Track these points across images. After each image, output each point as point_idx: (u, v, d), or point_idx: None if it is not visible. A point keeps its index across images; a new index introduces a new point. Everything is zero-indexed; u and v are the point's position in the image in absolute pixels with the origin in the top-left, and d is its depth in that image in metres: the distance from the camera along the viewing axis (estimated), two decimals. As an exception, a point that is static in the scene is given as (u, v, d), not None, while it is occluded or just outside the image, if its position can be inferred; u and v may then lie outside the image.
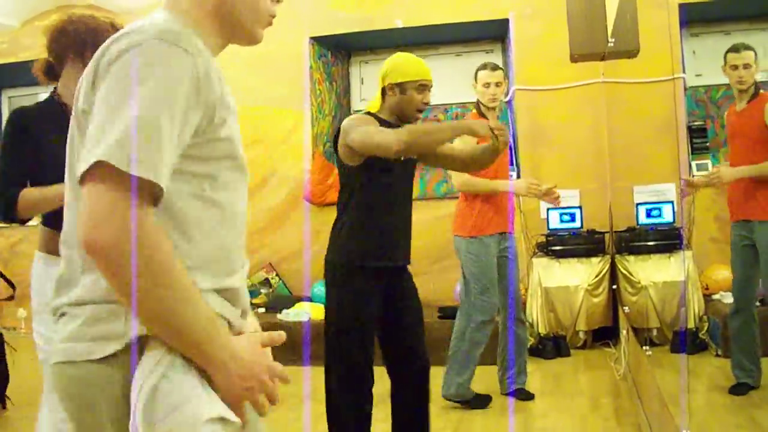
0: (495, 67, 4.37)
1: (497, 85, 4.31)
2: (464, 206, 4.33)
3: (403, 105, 2.97)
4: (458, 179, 4.23)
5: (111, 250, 1.09)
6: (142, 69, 1.12)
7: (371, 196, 2.94)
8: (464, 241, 4.33)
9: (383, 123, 2.95)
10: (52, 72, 2.59)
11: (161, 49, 1.14)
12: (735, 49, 3.71)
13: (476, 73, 4.41)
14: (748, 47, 3.70)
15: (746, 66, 3.67)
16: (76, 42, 2.49)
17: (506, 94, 6.93)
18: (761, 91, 3.73)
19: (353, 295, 2.93)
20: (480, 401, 4.36)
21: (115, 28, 2.48)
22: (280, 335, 1.38)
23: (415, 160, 3.06)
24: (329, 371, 3.01)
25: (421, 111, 3.01)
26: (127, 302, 1.13)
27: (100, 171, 1.09)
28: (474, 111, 4.43)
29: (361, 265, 2.91)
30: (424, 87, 2.97)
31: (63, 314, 1.23)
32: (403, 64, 2.99)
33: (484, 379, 4.62)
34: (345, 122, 2.93)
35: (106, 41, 1.20)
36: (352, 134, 2.83)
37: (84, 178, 1.11)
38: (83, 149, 1.13)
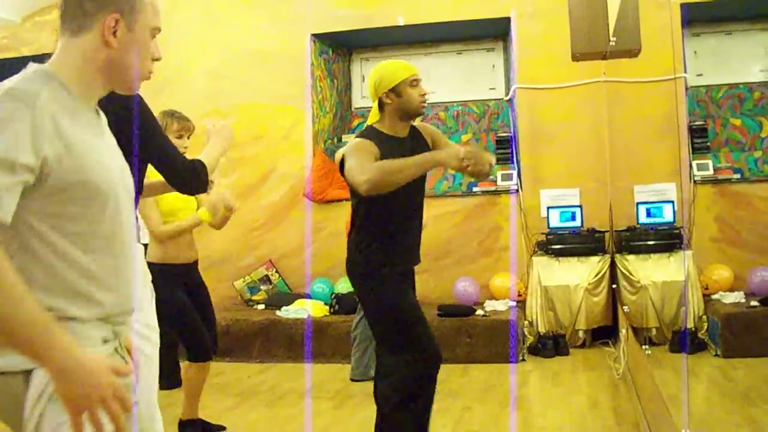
0: None
1: None
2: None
3: (405, 105, 3.06)
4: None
5: None
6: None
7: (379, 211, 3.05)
8: None
9: (382, 137, 3.04)
10: None
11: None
12: None
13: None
14: None
15: None
16: None
17: (508, 93, 6.93)
18: None
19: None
20: None
21: None
22: (127, 368, 1.45)
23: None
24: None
25: (424, 103, 3.09)
26: None
27: None
28: None
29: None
30: (416, 81, 3.07)
31: None
32: (388, 69, 3.09)
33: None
34: (345, 149, 3.02)
35: None
36: (345, 169, 2.94)
37: None
38: None
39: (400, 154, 2.97)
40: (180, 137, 3.78)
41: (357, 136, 3.08)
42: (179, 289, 3.71)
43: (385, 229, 3.07)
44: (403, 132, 3.12)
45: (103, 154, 1.49)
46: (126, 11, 1.49)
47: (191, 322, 3.70)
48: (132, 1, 1.50)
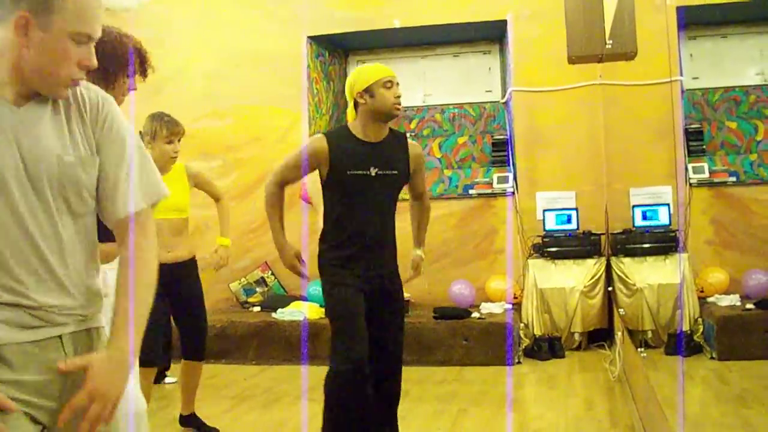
0: None
1: None
2: None
3: (377, 106, 3.08)
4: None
5: None
6: None
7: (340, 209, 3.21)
8: None
9: (347, 137, 3.13)
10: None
11: None
12: None
13: None
14: None
15: None
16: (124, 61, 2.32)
17: (504, 95, 6.94)
18: None
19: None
20: None
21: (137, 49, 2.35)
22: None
23: (393, 179, 3.19)
24: None
25: (397, 105, 3.10)
26: None
27: None
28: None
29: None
30: (390, 83, 3.10)
31: None
32: (363, 71, 3.15)
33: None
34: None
35: None
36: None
37: None
38: None
39: (361, 158, 3.08)
40: (170, 142, 3.63)
41: (328, 131, 3.20)
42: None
43: (339, 232, 3.21)
44: (376, 136, 3.13)
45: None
46: (38, 11, 1.42)
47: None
48: (46, 1, 1.43)
